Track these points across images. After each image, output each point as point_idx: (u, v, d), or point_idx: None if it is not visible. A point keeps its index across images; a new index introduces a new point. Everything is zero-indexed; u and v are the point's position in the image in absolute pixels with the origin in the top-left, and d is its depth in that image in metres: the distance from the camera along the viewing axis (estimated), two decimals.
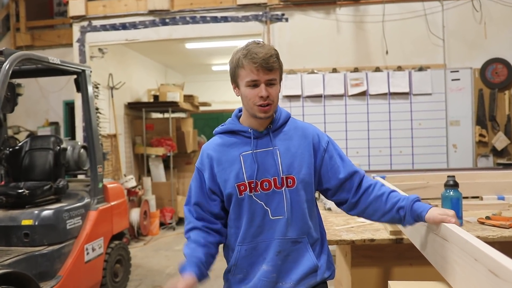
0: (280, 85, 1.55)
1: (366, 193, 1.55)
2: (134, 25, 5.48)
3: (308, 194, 1.56)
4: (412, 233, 1.72)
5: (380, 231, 2.25)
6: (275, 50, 1.52)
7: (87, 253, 3.61)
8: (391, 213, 1.49)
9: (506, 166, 4.72)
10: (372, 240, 2.11)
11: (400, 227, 2.01)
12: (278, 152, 1.54)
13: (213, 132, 1.68)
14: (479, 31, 5.09)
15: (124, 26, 5.50)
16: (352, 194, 1.57)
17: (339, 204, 1.64)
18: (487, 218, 2.32)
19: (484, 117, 5.07)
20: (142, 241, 6.18)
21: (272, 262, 1.52)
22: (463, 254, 1.09)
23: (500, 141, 5.02)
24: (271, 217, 1.52)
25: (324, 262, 1.59)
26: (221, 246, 1.67)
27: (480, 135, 5.06)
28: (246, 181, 1.52)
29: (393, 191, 1.55)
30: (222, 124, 1.66)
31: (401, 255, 2.21)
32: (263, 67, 1.45)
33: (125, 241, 4.44)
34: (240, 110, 1.66)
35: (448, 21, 5.10)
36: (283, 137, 1.58)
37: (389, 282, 1.37)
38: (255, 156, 1.53)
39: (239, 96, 1.57)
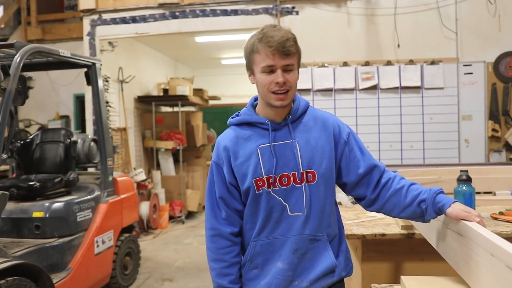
0: (298, 72, 1.44)
1: (385, 188, 1.47)
2: (144, 19, 5.47)
3: (328, 190, 1.48)
4: (425, 228, 1.69)
5: (391, 226, 2.23)
6: (293, 34, 1.41)
7: (97, 246, 3.63)
8: (411, 207, 1.40)
9: None
10: (383, 234, 2.09)
11: (413, 222, 1.99)
12: (297, 145, 1.45)
13: (228, 122, 1.58)
14: (493, 24, 5.00)
15: (134, 20, 5.50)
16: (371, 190, 1.49)
17: (357, 200, 1.57)
18: (500, 213, 2.29)
19: (497, 112, 5.00)
20: (151, 235, 6.21)
21: (288, 260, 1.45)
22: (478, 249, 1.07)
23: None
24: (290, 213, 1.45)
25: (342, 260, 1.52)
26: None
27: (493, 130, 4.99)
28: (264, 176, 1.43)
29: (413, 183, 1.46)
30: (237, 113, 1.58)
31: (412, 250, 2.19)
32: (279, 51, 1.35)
33: (134, 234, 4.46)
34: (256, 99, 1.57)
35: (461, 14, 5.02)
36: (303, 128, 1.49)
37: (401, 277, 1.34)
38: (273, 149, 1.44)
39: (255, 84, 1.48)
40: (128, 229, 4.26)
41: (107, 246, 3.79)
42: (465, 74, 5.02)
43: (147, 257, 5.04)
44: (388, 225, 2.23)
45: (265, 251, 1.47)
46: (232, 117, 1.57)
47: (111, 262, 3.87)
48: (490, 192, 2.88)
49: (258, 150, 1.45)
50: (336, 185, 1.58)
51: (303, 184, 1.44)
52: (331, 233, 1.50)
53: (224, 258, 1.49)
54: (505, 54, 4.97)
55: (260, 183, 1.43)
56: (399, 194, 1.44)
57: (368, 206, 1.53)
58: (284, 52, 1.36)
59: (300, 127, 1.49)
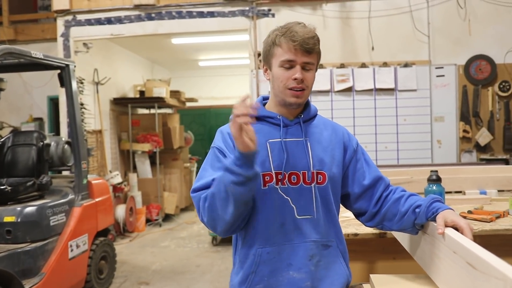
0: (315, 73, 1.40)
1: (386, 200, 1.42)
2: (119, 20, 5.42)
3: (335, 195, 1.41)
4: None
5: (364, 226, 2.27)
6: (317, 34, 1.37)
7: (71, 250, 3.57)
8: (407, 215, 1.33)
9: (488, 162, 4.79)
10: (356, 234, 2.13)
11: None
12: (309, 144, 1.38)
13: (230, 117, 1.44)
14: (463, 28, 5.14)
15: (109, 21, 5.44)
16: (374, 203, 1.43)
17: (358, 215, 1.50)
18: (469, 212, 2.35)
19: (468, 113, 5.13)
20: (128, 238, 6.14)
21: (306, 269, 1.32)
22: (442, 247, 1.10)
23: (483, 137, 5.08)
24: (297, 216, 1.34)
25: (351, 275, 1.44)
26: (227, 251, 1.45)
27: (464, 131, 5.12)
28: (273, 172, 1.33)
29: (413, 194, 1.41)
30: None
31: (385, 249, 2.23)
32: (302, 48, 1.30)
33: (110, 238, 4.41)
34: (264, 98, 1.49)
35: (433, 18, 5.14)
36: (314, 129, 1.43)
37: (370, 275, 1.38)
38: (284, 144, 1.35)
39: (269, 80, 1.41)
40: (104, 232, 4.21)
41: (82, 250, 3.74)
42: (437, 76, 5.14)
43: (123, 261, 4.99)
44: (360, 225, 2.25)
45: (273, 259, 1.33)
46: None
47: (85, 267, 3.81)
48: (460, 192, 2.97)
49: (268, 144, 1.36)
50: None
51: (313, 185, 1.35)
52: (341, 241, 1.44)
53: (205, 195, 1.29)
54: (475, 57, 5.11)
55: (267, 178, 1.33)
56: (397, 203, 1.38)
57: (368, 221, 1.47)
58: (307, 50, 1.32)
59: (311, 128, 1.43)
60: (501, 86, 5.10)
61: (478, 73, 5.11)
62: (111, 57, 7.00)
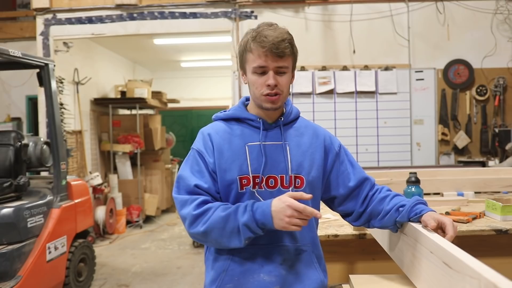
0: (293, 74, 1.39)
1: (372, 199, 1.42)
2: (100, 19, 5.36)
3: (314, 200, 1.39)
4: (375, 229, 1.75)
5: (344, 227, 2.29)
6: (289, 34, 1.34)
7: (49, 252, 3.51)
8: (390, 213, 1.34)
9: (466, 164, 4.88)
10: (336, 235, 2.15)
11: None
12: (288, 148, 1.37)
13: (213, 117, 1.47)
14: (442, 32, 5.24)
15: (90, 20, 5.37)
16: (360, 203, 1.43)
17: (345, 216, 1.50)
18: (447, 213, 2.40)
19: (446, 116, 5.23)
20: (107, 240, 6.07)
21: (276, 272, 1.32)
22: (420, 247, 1.12)
23: (461, 139, 5.18)
24: None
25: (327, 279, 1.43)
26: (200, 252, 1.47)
27: (443, 133, 5.21)
28: (251, 175, 1.32)
29: (398, 194, 1.44)
30: (224, 110, 1.48)
31: (364, 250, 2.25)
32: (272, 53, 1.28)
33: (89, 240, 4.35)
34: (247, 99, 1.49)
35: (413, 22, 5.23)
36: (294, 133, 1.42)
37: (349, 276, 1.39)
38: (263, 148, 1.35)
39: (246, 83, 1.41)
40: (83, 234, 4.15)
41: (60, 253, 3.68)
42: (416, 80, 5.23)
43: (103, 263, 4.92)
44: (341, 226, 2.28)
45: (245, 260, 1.33)
46: (219, 113, 1.48)
47: (64, 269, 3.75)
48: (438, 193, 3.02)
49: (247, 147, 1.36)
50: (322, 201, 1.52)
51: (290, 188, 1.35)
52: (317, 246, 1.44)
53: (197, 213, 1.29)
54: (453, 62, 5.21)
55: (244, 182, 1.33)
56: (382, 202, 1.39)
57: (355, 220, 1.47)
58: (278, 54, 1.29)
59: (291, 131, 1.42)
60: (478, 90, 5.21)
61: (456, 77, 5.22)
62: (92, 57, 6.91)
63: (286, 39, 1.31)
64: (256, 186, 1.33)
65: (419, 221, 1.27)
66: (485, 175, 3.06)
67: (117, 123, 7.15)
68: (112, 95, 7.66)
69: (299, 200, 1.30)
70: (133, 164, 7.18)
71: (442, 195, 2.95)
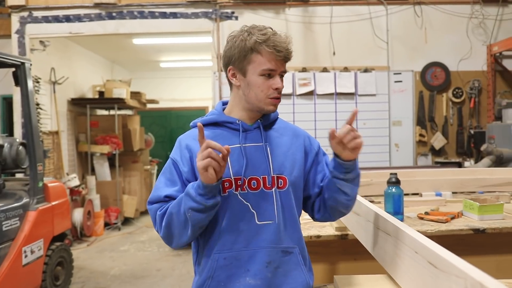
0: None
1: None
2: (78, 18, 5.27)
3: (297, 199, 1.40)
4: (356, 228, 1.77)
5: (326, 228, 2.31)
6: None
7: (25, 256, 3.43)
8: (327, 185, 1.37)
9: (443, 165, 4.98)
10: (318, 236, 2.16)
11: (345, 222, 2.07)
12: (268, 148, 1.38)
13: (191, 124, 1.46)
14: (420, 35, 5.33)
15: (67, 19, 5.28)
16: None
17: (311, 212, 1.50)
18: (426, 213, 2.44)
19: (424, 118, 5.32)
20: (85, 242, 5.96)
21: (261, 275, 1.30)
22: (404, 247, 1.13)
23: (438, 141, 5.29)
24: (258, 222, 1.32)
25: (312, 281, 1.42)
26: (188, 254, 1.47)
27: (420, 135, 5.31)
28: (232, 177, 1.32)
29: None
30: (202, 116, 1.46)
31: (346, 251, 2.27)
32: (284, 59, 1.33)
33: (67, 243, 4.26)
34: (223, 103, 1.48)
35: (391, 25, 5.31)
36: (274, 134, 1.43)
37: (334, 276, 1.40)
38: (243, 150, 1.35)
39: (237, 84, 1.38)
40: (60, 237, 4.06)
41: (37, 256, 3.59)
42: (395, 82, 5.31)
43: (80, 266, 4.84)
44: (322, 227, 2.30)
45: (230, 265, 1.32)
46: (197, 119, 1.46)
47: (40, 273, 3.67)
48: (417, 194, 3.07)
49: None
50: None
51: (273, 189, 1.34)
52: (303, 247, 1.42)
53: (161, 212, 1.32)
54: (430, 64, 5.32)
55: (226, 185, 1.32)
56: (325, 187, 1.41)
57: (317, 213, 1.47)
58: (286, 60, 1.35)
59: (271, 132, 1.43)
60: (455, 92, 5.33)
61: (434, 80, 5.32)
62: (69, 56, 6.79)
63: (291, 46, 1.36)
64: (239, 189, 1.32)
65: (338, 157, 1.30)
66: (462, 176, 3.12)
67: (95, 123, 7.03)
68: (89, 95, 7.54)
69: (283, 202, 1.34)
70: (112, 165, 7.08)
71: (421, 195, 3.00)
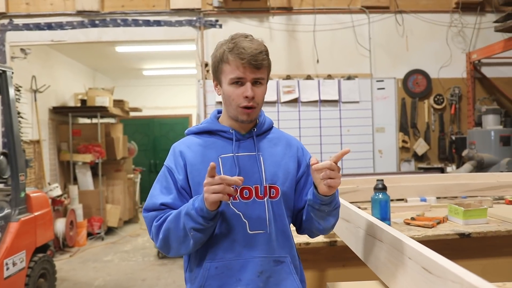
0: (266, 86, 1.39)
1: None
2: (60, 26, 5.21)
3: (288, 210, 1.41)
4: (346, 235, 1.78)
5: None
6: (265, 46, 1.36)
7: (7, 269, 3.35)
8: (307, 213, 1.37)
9: (426, 170, 5.05)
10: (308, 243, 2.17)
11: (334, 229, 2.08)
12: (261, 158, 1.37)
13: (186, 132, 1.47)
14: (401, 43, 5.43)
15: (49, 26, 5.21)
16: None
17: (295, 226, 1.51)
18: (412, 219, 2.47)
19: (407, 124, 5.40)
20: (68, 253, 5.85)
21: (253, 285, 1.30)
22: (397, 253, 1.15)
23: (420, 147, 5.37)
24: (249, 231, 1.32)
25: (304, 286, 1.42)
26: (179, 264, 1.47)
27: (403, 141, 5.38)
28: None
29: None
30: (196, 125, 1.48)
31: (335, 257, 2.28)
32: (251, 65, 1.29)
33: (49, 254, 4.18)
34: (219, 112, 1.48)
35: (374, 33, 5.39)
36: (267, 144, 1.42)
37: (327, 284, 1.40)
38: (236, 159, 1.35)
39: (220, 95, 1.40)
40: (43, 248, 3.99)
41: (19, 268, 3.51)
42: (378, 89, 5.38)
43: (63, 278, 4.74)
44: None
45: (221, 274, 1.31)
46: (192, 127, 1.48)
47: (23, 286, 3.58)
48: (402, 199, 3.10)
49: (220, 159, 1.35)
50: None
51: (265, 199, 1.34)
52: (294, 256, 1.42)
53: (158, 223, 1.32)
54: (412, 72, 5.41)
55: None
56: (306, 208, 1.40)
57: (298, 230, 1.50)
58: (256, 66, 1.30)
59: (265, 142, 1.42)
60: (436, 99, 5.43)
61: (415, 87, 5.41)
62: (51, 64, 6.70)
63: (263, 51, 1.33)
64: (231, 198, 1.31)
65: (315, 187, 1.30)
66: (445, 181, 3.17)
67: (77, 132, 6.94)
68: (71, 103, 7.44)
69: (275, 211, 1.34)
70: (94, 174, 6.98)
71: (406, 201, 3.03)
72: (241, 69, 1.30)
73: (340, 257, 2.26)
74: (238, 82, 1.32)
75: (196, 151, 1.37)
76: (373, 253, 1.35)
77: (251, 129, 1.42)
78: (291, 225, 1.49)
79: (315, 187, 1.29)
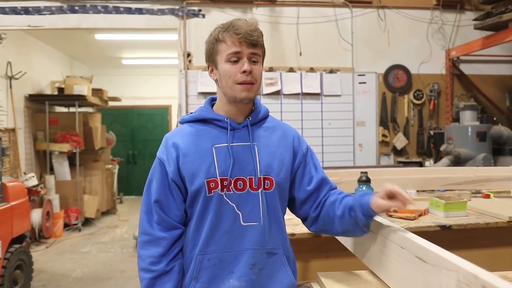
0: (262, 67, 1.37)
1: (324, 204, 1.40)
2: (38, 10, 5.06)
3: (283, 201, 1.40)
4: None
5: (300, 226, 2.32)
6: (259, 28, 1.36)
7: None
8: (344, 218, 1.32)
9: (405, 164, 5.14)
10: (293, 234, 2.17)
11: None
12: (256, 148, 1.35)
13: (179, 120, 1.44)
14: (383, 38, 5.48)
15: (26, 11, 5.05)
16: (314, 208, 1.41)
17: (303, 220, 1.48)
18: (394, 211, 2.50)
19: (387, 119, 5.47)
20: (44, 244, 5.74)
21: (246, 277, 1.30)
22: (389, 243, 1.16)
23: (400, 141, 5.45)
24: (243, 223, 1.31)
25: (296, 280, 1.41)
26: None
27: (383, 135, 5.45)
28: (218, 178, 1.30)
29: (348, 195, 1.38)
30: (191, 112, 1.44)
31: (319, 248, 2.30)
32: (247, 40, 1.29)
33: (25, 245, 4.09)
34: (213, 99, 1.45)
35: (356, 28, 5.42)
36: (263, 133, 1.39)
37: (317, 273, 1.41)
38: (231, 149, 1.32)
39: (216, 81, 1.37)
40: (19, 239, 3.90)
41: None
42: (359, 83, 5.42)
43: (40, 269, 4.65)
44: (296, 225, 2.32)
45: (213, 266, 1.31)
46: (185, 115, 1.44)
47: None
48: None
49: (214, 149, 1.33)
50: None
51: (260, 190, 1.32)
52: (287, 248, 1.41)
53: (153, 268, 1.31)
54: (393, 67, 5.47)
55: (212, 185, 1.30)
56: (333, 207, 1.36)
57: (310, 226, 1.46)
58: (252, 42, 1.30)
59: (260, 132, 1.40)
60: (416, 94, 5.51)
61: (396, 82, 5.48)
62: (27, 50, 6.52)
63: (257, 29, 1.33)
64: (225, 189, 1.30)
65: (372, 211, 1.25)
66: (426, 175, 3.23)
67: (54, 121, 6.79)
68: (48, 91, 7.27)
69: (269, 203, 1.34)
70: (72, 164, 6.86)
71: None
72: (237, 44, 1.29)
73: (324, 248, 2.28)
74: (235, 57, 1.30)
75: (189, 141, 1.35)
76: (363, 244, 1.36)
77: (246, 117, 1.39)
78: (298, 218, 1.50)
79: (366, 204, 1.26)
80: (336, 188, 1.45)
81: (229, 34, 1.30)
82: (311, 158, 1.46)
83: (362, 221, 1.27)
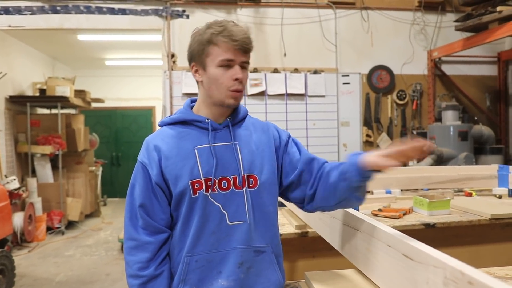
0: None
1: (320, 178, 1.38)
2: (19, 10, 4.97)
3: (271, 197, 1.39)
4: (320, 226, 1.80)
5: (286, 226, 2.34)
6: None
7: None
8: (339, 185, 1.30)
9: None
10: (280, 234, 2.17)
11: (306, 220, 2.10)
12: (238, 147, 1.36)
13: (159, 123, 1.44)
14: (366, 39, 5.53)
15: (6, 11, 4.97)
16: (310, 186, 1.39)
17: (298, 204, 1.45)
18: (379, 210, 2.54)
19: (370, 119, 5.53)
20: (26, 248, 5.65)
21: (234, 276, 1.30)
22: (375, 241, 1.17)
23: (383, 141, 5.51)
24: (229, 223, 1.31)
25: (284, 279, 1.40)
26: None
27: (367, 135, 5.50)
28: (202, 178, 1.30)
29: (341, 163, 1.35)
30: (170, 115, 1.44)
31: (305, 248, 2.31)
32: (242, 48, 1.30)
33: (6, 249, 4.02)
34: (192, 101, 1.45)
35: (340, 29, 5.46)
36: (243, 132, 1.40)
37: (305, 273, 1.42)
38: (213, 150, 1.33)
39: (200, 80, 1.36)
40: (1, 243, 3.83)
41: None
42: (343, 84, 5.47)
43: (22, 274, 4.57)
44: (283, 225, 2.33)
45: (201, 267, 1.30)
46: (165, 118, 1.44)
47: None
48: (368, 191, 3.18)
49: (196, 150, 1.33)
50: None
51: (244, 189, 1.33)
52: (277, 245, 1.41)
53: (142, 274, 1.30)
54: (376, 67, 5.53)
55: (197, 186, 1.30)
56: (328, 177, 1.35)
57: (307, 204, 1.42)
58: (245, 50, 1.31)
59: (241, 131, 1.40)
60: (399, 94, 5.57)
61: (379, 82, 5.54)
62: (7, 51, 6.41)
63: (249, 36, 1.33)
64: (209, 189, 1.30)
65: (366, 169, 1.23)
66: (410, 174, 3.27)
67: (36, 123, 6.68)
68: (29, 92, 7.16)
69: (254, 201, 1.33)
70: (54, 167, 6.76)
71: (372, 193, 3.10)
72: (232, 51, 1.29)
73: (310, 248, 2.29)
74: (228, 64, 1.30)
75: (170, 143, 1.34)
76: (350, 242, 1.37)
77: (226, 117, 1.39)
78: (292, 203, 1.49)
79: (358, 162, 1.23)
80: (326, 161, 1.45)
81: (225, 39, 1.29)
82: (294, 144, 1.47)
83: (357, 179, 1.25)
